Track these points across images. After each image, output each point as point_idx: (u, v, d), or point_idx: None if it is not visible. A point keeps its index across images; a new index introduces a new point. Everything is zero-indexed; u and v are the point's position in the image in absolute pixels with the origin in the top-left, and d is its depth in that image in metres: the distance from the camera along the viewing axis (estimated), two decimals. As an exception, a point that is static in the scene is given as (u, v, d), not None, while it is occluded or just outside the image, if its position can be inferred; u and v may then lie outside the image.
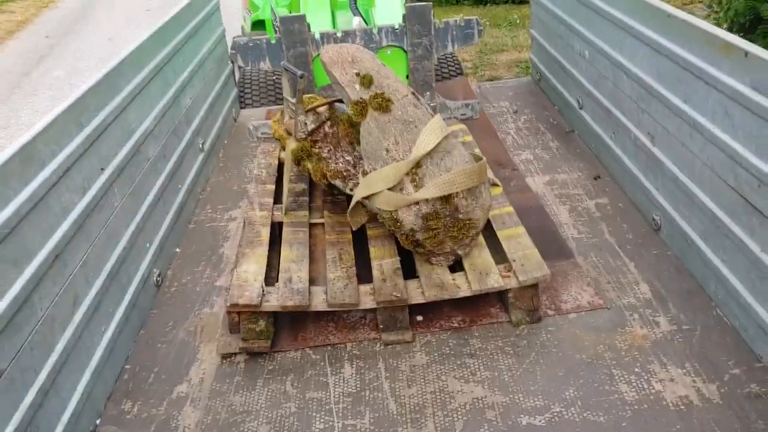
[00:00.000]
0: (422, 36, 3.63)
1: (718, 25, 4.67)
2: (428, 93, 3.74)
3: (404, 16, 3.63)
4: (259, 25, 5.58)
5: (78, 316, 2.20)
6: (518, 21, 8.96)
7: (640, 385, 2.18)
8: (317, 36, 3.62)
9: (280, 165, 3.40)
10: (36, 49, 10.93)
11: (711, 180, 2.43)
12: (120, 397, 2.36)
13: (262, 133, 3.69)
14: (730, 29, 4.61)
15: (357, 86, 2.64)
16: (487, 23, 9.08)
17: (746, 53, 2.13)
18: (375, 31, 3.65)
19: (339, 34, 3.65)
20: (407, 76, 3.75)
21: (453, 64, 5.28)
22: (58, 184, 2.18)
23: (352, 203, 2.69)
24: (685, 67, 2.54)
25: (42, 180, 2.08)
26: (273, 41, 3.62)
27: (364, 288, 2.56)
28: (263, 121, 3.73)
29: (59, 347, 2.07)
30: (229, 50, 4.10)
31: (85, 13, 13.54)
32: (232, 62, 4.89)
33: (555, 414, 2.11)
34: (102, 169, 2.54)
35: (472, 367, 2.34)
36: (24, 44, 11.34)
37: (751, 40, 4.41)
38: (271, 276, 2.67)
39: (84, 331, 2.23)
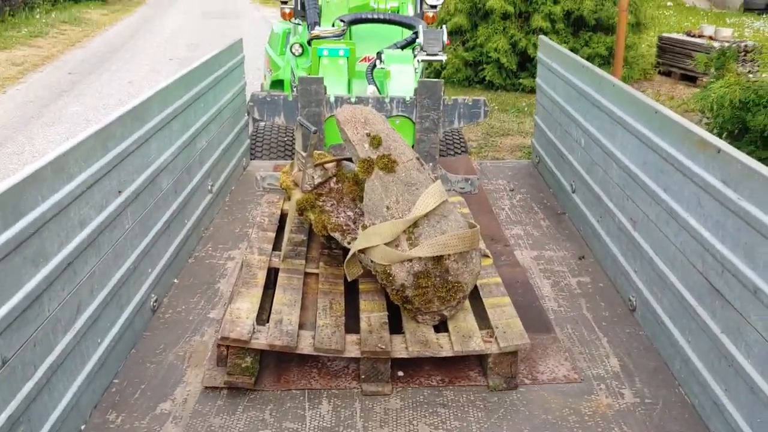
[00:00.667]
0: (431, 110, 3.80)
1: (710, 132, 4.95)
2: (431, 164, 3.86)
3: (416, 90, 3.80)
4: (277, 84, 5.86)
5: (79, 323, 2.34)
6: (526, 108, 9.32)
7: (599, 448, 2.30)
8: (332, 99, 3.80)
9: (283, 216, 3.57)
10: (58, 83, 11.30)
11: (682, 264, 2.61)
12: (106, 408, 2.47)
13: (268, 184, 3.85)
14: (719, 136, 4.90)
15: (366, 145, 2.83)
16: (496, 107, 9.46)
17: (719, 150, 2.34)
18: (387, 100, 3.82)
19: (353, 99, 3.82)
20: (413, 146, 3.89)
21: (459, 141, 5.50)
22: (80, 198, 2.37)
23: (350, 254, 2.83)
24: (667, 159, 2.76)
25: (68, 191, 2.27)
26: (290, 99, 3.81)
27: (351, 337, 2.66)
28: (271, 173, 3.89)
29: (59, 348, 2.20)
30: (247, 103, 4.32)
31: (110, 55, 14.01)
32: (248, 114, 5.13)
33: (516, 466, 2.22)
34: (120, 191, 2.72)
35: (443, 416, 2.46)
36: (48, 78, 11.72)
37: (738, 147, 4.69)
38: (262, 317, 2.79)
39: (82, 339, 2.37)
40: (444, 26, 4.69)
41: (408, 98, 3.81)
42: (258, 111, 3.82)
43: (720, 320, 2.32)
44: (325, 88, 3.77)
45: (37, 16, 18.50)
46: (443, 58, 4.29)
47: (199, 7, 21.77)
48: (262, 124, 5.35)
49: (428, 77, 8.42)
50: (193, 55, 12.56)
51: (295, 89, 4.57)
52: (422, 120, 3.82)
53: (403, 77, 4.11)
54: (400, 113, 3.82)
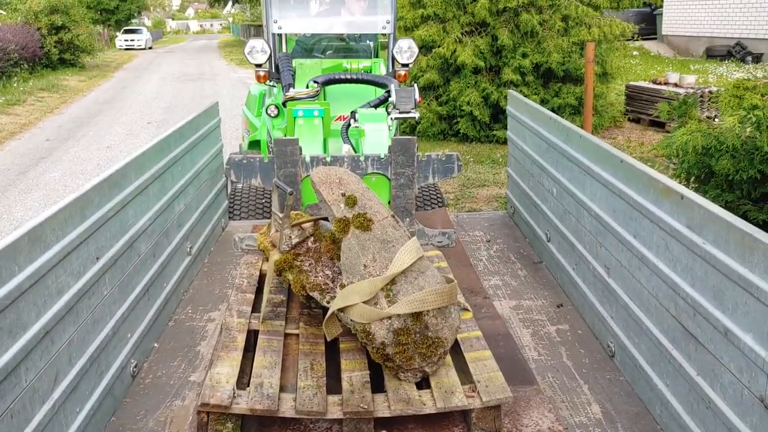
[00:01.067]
0: (405, 166, 3.85)
1: (677, 176, 5.08)
2: (408, 219, 3.91)
3: (390, 147, 3.86)
4: (255, 144, 5.90)
5: (57, 393, 2.32)
6: (501, 159, 9.48)
7: (584, 498, 2.29)
8: (308, 159, 3.83)
9: (261, 277, 3.58)
10: (36, 150, 11.32)
11: (656, 309, 2.66)
12: (86, 479, 2.43)
13: (246, 245, 3.85)
14: (686, 180, 5.02)
15: (342, 205, 2.88)
16: (471, 159, 9.61)
17: (682, 197, 2.42)
18: (362, 158, 3.87)
19: (329, 159, 3.87)
20: (389, 202, 3.92)
21: (435, 195, 5.58)
22: (57, 266, 2.37)
23: (329, 313, 2.84)
24: (635, 206, 2.84)
25: (45, 260, 2.28)
26: (266, 160, 3.84)
27: (333, 398, 2.64)
28: (249, 234, 3.90)
29: (36, 419, 2.18)
30: (224, 166, 4.34)
31: (88, 121, 14.08)
32: (226, 176, 5.18)
33: None
34: (98, 258, 2.73)
35: (428, 472, 2.44)
36: (25, 146, 11.74)
37: (705, 191, 4.80)
38: (243, 381, 2.77)
39: (60, 408, 2.34)
40: (415, 84, 4.77)
41: (382, 155, 3.88)
42: (234, 173, 3.85)
43: (695, 363, 2.35)
44: (300, 148, 3.82)
45: (15, 84, 18.61)
46: (416, 115, 4.37)
47: (176, 70, 22.03)
48: (239, 185, 5.39)
49: (403, 132, 8.58)
50: (170, 118, 12.68)
51: (271, 150, 4.67)
52: (397, 176, 3.88)
53: (377, 135, 4.18)
54: (375, 170, 3.88)
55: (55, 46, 25.64)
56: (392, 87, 4.41)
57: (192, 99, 14.93)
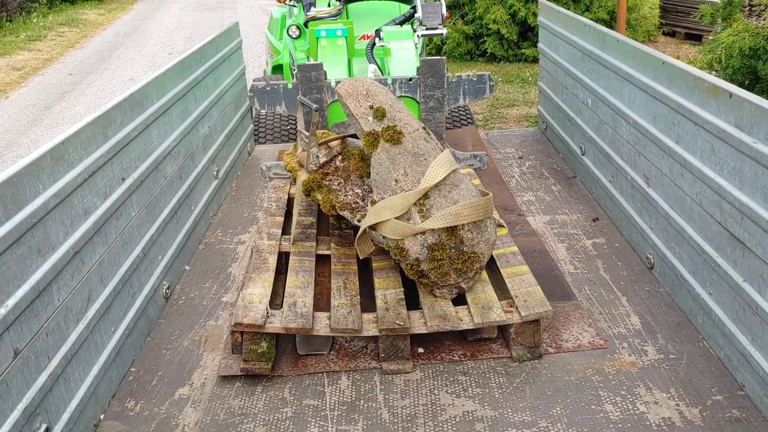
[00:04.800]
0: (435, 89, 3.72)
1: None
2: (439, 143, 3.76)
3: (419, 69, 3.71)
4: (278, 69, 5.80)
5: (91, 313, 2.32)
6: (530, 78, 9.22)
7: (624, 406, 2.25)
8: (333, 84, 3.71)
9: (290, 200, 3.52)
10: (59, 85, 11.28)
11: (700, 216, 2.55)
12: (124, 396, 2.45)
13: (273, 174, 3.80)
14: (730, 87, 4.79)
15: (370, 118, 2.77)
16: (500, 80, 9.36)
17: (731, 94, 2.28)
18: (390, 81, 3.73)
19: None
20: None
21: (465, 115, 5.46)
22: (82, 186, 2.33)
23: (360, 231, 2.78)
24: (678, 110, 2.69)
25: (69, 180, 2.23)
26: (290, 86, 3.74)
27: (368, 316, 2.61)
28: (275, 162, 3.84)
29: (72, 338, 2.18)
30: (248, 92, 4.28)
31: (109, 54, 13.98)
32: (250, 104, 5.09)
33: (541, 429, 2.19)
34: (123, 178, 2.69)
35: (464, 384, 2.42)
36: (48, 80, 11.71)
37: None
38: (276, 302, 2.75)
39: (95, 328, 2.34)
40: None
41: (411, 78, 3.73)
42: (258, 101, 3.76)
43: (742, 269, 2.26)
44: (325, 73, 3.69)
45: (35, 20, 18.50)
46: (444, 31, 4.22)
47: (195, 0, 21.69)
48: (263, 111, 5.30)
49: (429, 54, 8.32)
50: (192, 48, 12.47)
51: (293, 74, 4.59)
52: (427, 99, 3.73)
53: (404, 54, 4.04)
54: (403, 94, 3.74)
55: (73, -20, 25.26)
56: (418, 2, 4.26)
57: (213, 28, 14.69)
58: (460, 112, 5.42)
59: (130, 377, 2.55)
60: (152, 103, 3.10)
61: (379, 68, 4.12)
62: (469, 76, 3.82)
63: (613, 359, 2.50)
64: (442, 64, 3.69)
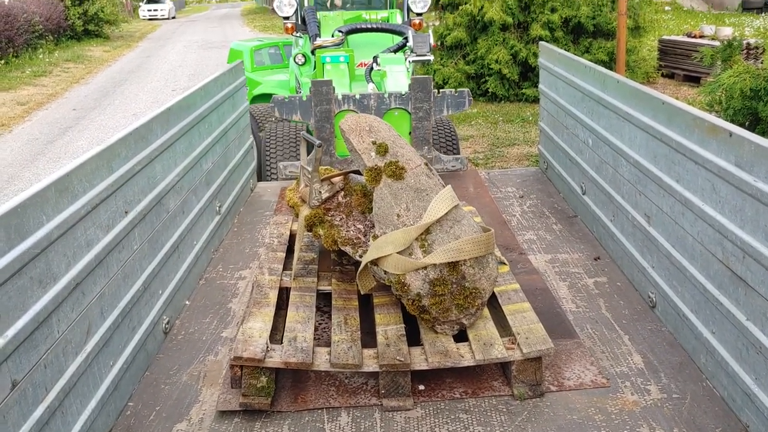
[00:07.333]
0: (423, 102, 4.46)
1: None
2: (426, 147, 4.55)
3: (410, 85, 4.41)
4: (259, 98, 6.51)
5: (90, 346, 2.30)
6: (530, 118, 9.31)
7: (628, 446, 2.23)
8: (340, 96, 4.40)
9: (292, 236, 3.53)
10: (63, 120, 11.38)
11: (701, 255, 2.55)
12: (121, 431, 2.42)
13: (289, 172, 4.49)
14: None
15: (373, 154, 2.79)
16: (500, 119, 9.45)
17: (731, 133, 2.30)
18: (386, 95, 4.45)
19: (357, 96, 4.41)
20: (410, 133, 4.55)
21: (449, 132, 5.89)
22: (85, 218, 2.34)
23: (362, 265, 2.77)
24: (678, 149, 2.71)
25: (72, 211, 2.24)
26: (304, 99, 4.40)
27: (368, 352, 2.59)
28: (292, 162, 4.46)
29: (70, 371, 2.16)
30: (269, 104, 4.84)
31: (113, 90, 14.12)
32: (253, 136, 5.28)
33: (544, 469, 2.16)
34: (126, 211, 2.69)
35: (466, 422, 2.39)
36: (52, 115, 11.81)
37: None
38: (276, 337, 2.73)
39: (94, 361, 2.32)
40: (430, 30, 5.51)
41: (403, 92, 4.44)
42: (278, 110, 4.49)
43: (745, 307, 2.26)
44: (333, 88, 4.38)
45: (41, 56, 18.71)
46: (431, 58, 4.95)
47: (200, 38, 21.97)
48: (280, 120, 5.75)
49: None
50: (195, 85, 12.62)
51: (299, 93, 5.36)
52: (416, 110, 4.47)
53: (398, 75, 4.79)
54: (397, 106, 4.46)
55: (79, 18, 25.67)
56: (409, 33, 5.04)
57: (216, 66, 14.87)
58: (445, 130, 5.85)
59: (128, 412, 2.52)
60: (156, 138, 3.12)
61: (376, 88, 4.84)
62: (451, 92, 4.56)
63: (616, 398, 2.48)
64: (429, 82, 4.45)
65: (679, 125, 2.73)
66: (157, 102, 12.28)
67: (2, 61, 16.75)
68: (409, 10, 5.73)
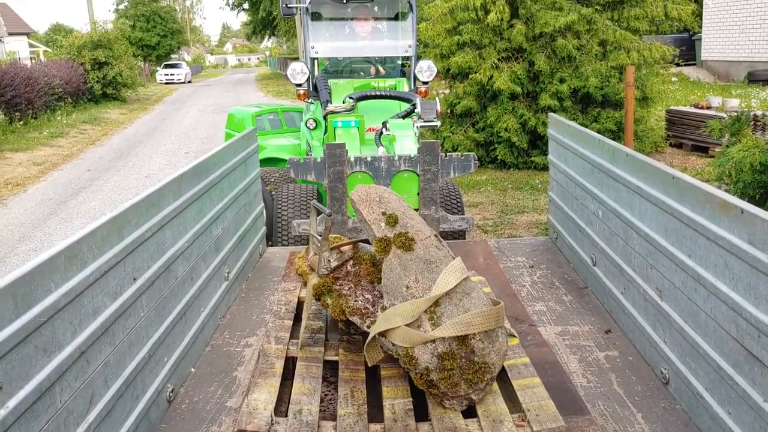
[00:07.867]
0: (431, 164, 4.58)
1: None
2: (433, 207, 4.68)
3: (419, 149, 4.58)
4: (265, 162, 6.58)
5: (92, 416, 2.26)
6: (540, 186, 9.34)
7: None
8: (352, 158, 4.55)
9: (299, 304, 3.51)
10: (77, 181, 11.52)
11: (715, 331, 2.51)
12: (120, 506, 2.36)
13: (302, 229, 4.55)
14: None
15: (382, 224, 2.79)
16: (509, 186, 9.49)
17: (742, 210, 2.29)
18: (396, 158, 4.59)
19: (369, 159, 4.56)
20: (418, 194, 4.68)
21: (455, 196, 5.94)
22: (93, 285, 2.33)
23: (370, 337, 2.75)
24: (689, 224, 2.70)
25: (81, 279, 2.23)
26: (318, 160, 4.52)
27: (375, 427, 2.54)
28: (305, 220, 4.52)
29: None
30: (285, 165, 4.96)
31: (128, 151, 14.32)
32: (264, 201, 5.34)
33: None
34: (134, 278, 2.69)
35: (474, 503, 2.32)
36: (67, 176, 11.96)
37: (761, 212, 4.62)
38: (281, 408, 2.69)
39: (96, 431, 2.28)
40: (437, 98, 5.64)
41: (412, 155, 4.59)
42: (294, 171, 4.62)
43: (761, 388, 2.20)
44: (346, 150, 4.48)
45: (59, 118, 19.09)
46: (438, 123, 5.10)
47: (215, 102, 22.40)
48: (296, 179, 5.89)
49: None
50: (208, 148, 12.83)
51: (309, 155, 5.60)
52: (425, 173, 4.61)
53: (406, 139, 4.95)
54: (406, 168, 4.61)
55: (98, 82, 26.30)
56: (417, 101, 5.19)
57: (230, 129, 15.13)
58: (452, 193, 5.91)
59: (128, 485, 2.46)
60: (168, 204, 3.14)
61: (386, 150, 4.98)
62: (458, 155, 4.71)
63: (630, 481, 2.40)
64: (437, 146, 4.60)
65: (690, 200, 2.73)
66: (170, 164, 12.44)
67: (21, 122, 17.10)
68: (415, 78, 5.98)
